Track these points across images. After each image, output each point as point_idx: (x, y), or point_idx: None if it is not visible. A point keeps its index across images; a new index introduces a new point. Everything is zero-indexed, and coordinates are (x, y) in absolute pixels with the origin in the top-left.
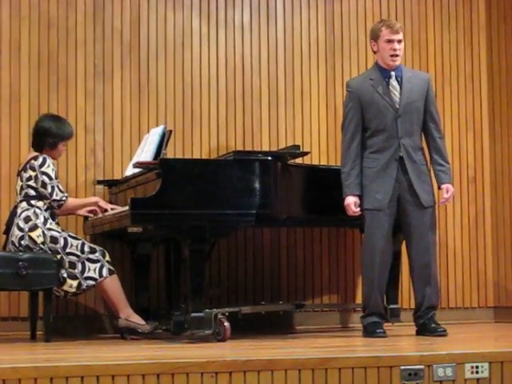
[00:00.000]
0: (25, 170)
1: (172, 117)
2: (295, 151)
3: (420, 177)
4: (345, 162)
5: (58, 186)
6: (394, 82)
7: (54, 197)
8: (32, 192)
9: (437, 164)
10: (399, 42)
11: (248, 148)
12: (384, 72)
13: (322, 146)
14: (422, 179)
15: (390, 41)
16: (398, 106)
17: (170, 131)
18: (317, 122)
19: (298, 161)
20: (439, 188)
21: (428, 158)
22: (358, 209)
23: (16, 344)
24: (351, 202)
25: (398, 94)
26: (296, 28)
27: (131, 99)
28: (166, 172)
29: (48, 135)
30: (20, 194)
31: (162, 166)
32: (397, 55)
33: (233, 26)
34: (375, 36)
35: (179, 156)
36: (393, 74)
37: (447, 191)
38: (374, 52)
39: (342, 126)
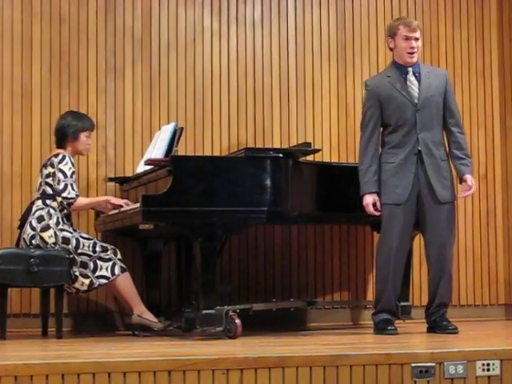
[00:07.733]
0: (45, 166)
1: (183, 114)
2: (306, 149)
3: (439, 172)
4: (362, 159)
5: (71, 185)
6: (411, 77)
7: (65, 194)
8: (49, 190)
9: (457, 158)
10: (416, 39)
11: (259, 145)
12: (401, 69)
13: (333, 143)
14: (442, 174)
15: (407, 38)
16: (416, 101)
17: (182, 128)
18: (328, 119)
19: (309, 158)
20: (461, 182)
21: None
22: (377, 212)
23: (28, 340)
24: (369, 201)
25: (416, 89)
26: (307, 25)
27: (143, 96)
28: (178, 169)
29: (67, 127)
30: (38, 191)
31: (173, 163)
32: (414, 52)
33: (244, 22)
34: (392, 33)
35: (190, 153)
36: (410, 69)
37: (469, 182)
38: (391, 49)
39: (361, 125)
